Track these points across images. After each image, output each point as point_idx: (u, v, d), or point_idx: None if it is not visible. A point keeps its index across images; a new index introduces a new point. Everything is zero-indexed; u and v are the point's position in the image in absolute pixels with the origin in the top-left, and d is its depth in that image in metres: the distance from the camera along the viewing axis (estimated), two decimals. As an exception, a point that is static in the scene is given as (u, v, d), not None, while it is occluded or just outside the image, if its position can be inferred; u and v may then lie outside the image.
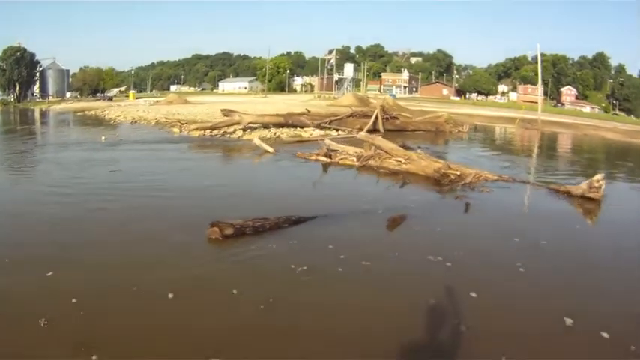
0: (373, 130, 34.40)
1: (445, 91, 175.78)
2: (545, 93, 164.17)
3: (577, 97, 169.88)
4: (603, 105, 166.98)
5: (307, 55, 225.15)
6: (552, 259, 10.51)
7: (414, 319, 7.35)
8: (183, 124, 38.97)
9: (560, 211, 15.28)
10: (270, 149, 25.32)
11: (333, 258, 9.71)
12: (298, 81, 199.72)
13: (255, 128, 34.59)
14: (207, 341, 6.57)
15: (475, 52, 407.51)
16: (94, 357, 6.08)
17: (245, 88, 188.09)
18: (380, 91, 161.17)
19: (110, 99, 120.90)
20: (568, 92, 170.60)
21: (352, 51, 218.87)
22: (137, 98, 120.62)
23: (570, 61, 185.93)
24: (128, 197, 15.03)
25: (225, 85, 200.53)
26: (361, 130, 33.69)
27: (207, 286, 8.35)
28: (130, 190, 16.14)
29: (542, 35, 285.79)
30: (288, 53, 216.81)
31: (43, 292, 7.96)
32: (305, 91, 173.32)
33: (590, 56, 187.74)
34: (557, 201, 16.43)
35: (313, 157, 22.96)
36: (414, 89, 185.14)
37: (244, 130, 33.63)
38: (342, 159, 22.17)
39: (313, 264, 9.32)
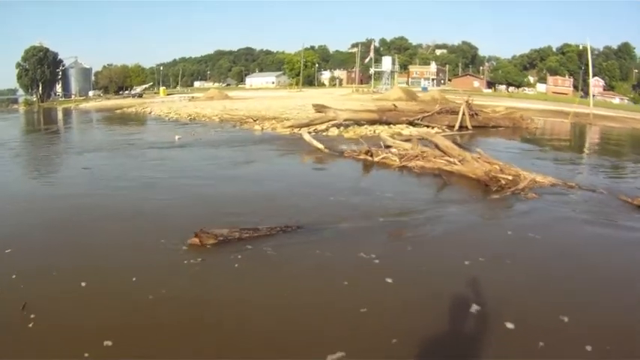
0: (461, 127, 34.04)
1: (476, 84, 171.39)
2: (574, 86, 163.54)
3: (604, 89, 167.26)
4: (632, 96, 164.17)
5: (331, 49, 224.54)
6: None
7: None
8: (255, 120, 37.83)
9: (612, 232, 12.08)
10: (321, 146, 23.98)
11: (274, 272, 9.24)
12: (325, 75, 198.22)
13: (348, 125, 33.09)
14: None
15: (499, 43, 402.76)
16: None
17: (272, 82, 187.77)
18: (407, 84, 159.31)
19: (140, 96, 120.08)
20: (596, 84, 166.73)
21: (376, 44, 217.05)
22: (168, 95, 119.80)
23: (596, 52, 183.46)
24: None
25: (252, 80, 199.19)
26: (451, 126, 33.60)
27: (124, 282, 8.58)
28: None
29: (565, 25, 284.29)
30: (312, 47, 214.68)
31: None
32: (333, 85, 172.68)
33: (615, 46, 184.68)
34: (622, 215, 13.35)
35: (362, 156, 21.38)
36: (442, 82, 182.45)
37: (338, 127, 32.25)
38: (383, 158, 20.59)
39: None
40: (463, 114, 34.94)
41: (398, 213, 12.78)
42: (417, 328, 7.05)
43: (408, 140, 23.70)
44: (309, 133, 28.59)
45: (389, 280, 8.56)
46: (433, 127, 32.88)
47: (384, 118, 34.31)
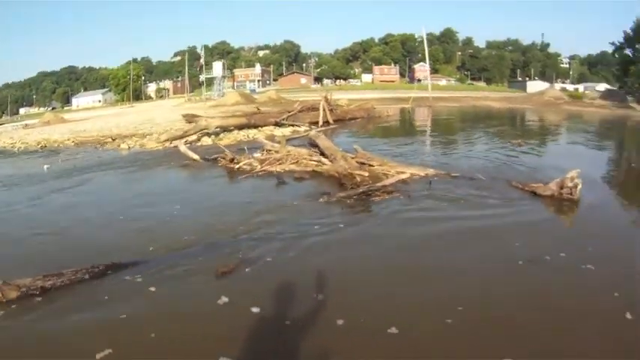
0: (325, 122, 35.48)
1: (303, 80, 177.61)
2: (400, 73, 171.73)
3: (430, 72, 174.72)
4: (458, 77, 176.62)
5: (154, 60, 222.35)
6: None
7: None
8: (114, 139, 36.99)
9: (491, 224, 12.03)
10: (197, 156, 23.96)
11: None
12: (152, 87, 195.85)
13: (219, 133, 32.85)
14: None
15: (321, 39, 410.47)
16: None
17: (99, 101, 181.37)
18: (233, 87, 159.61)
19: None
20: (421, 69, 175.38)
21: (198, 50, 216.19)
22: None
23: (419, 39, 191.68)
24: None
25: (79, 101, 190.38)
26: (313, 123, 34.89)
27: None
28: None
29: (387, 16, 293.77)
30: (135, 59, 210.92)
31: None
32: (161, 97, 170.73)
33: (437, 32, 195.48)
34: (511, 204, 13.40)
35: (231, 164, 21.00)
36: (268, 82, 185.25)
37: (209, 135, 31.99)
38: (245, 164, 20.46)
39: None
40: (324, 110, 36.24)
41: (206, 231, 12.30)
42: (180, 327, 7.46)
43: (278, 141, 24.16)
44: (176, 146, 28.30)
45: (152, 289, 8.79)
46: (299, 126, 34.15)
47: (252, 121, 34.73)
